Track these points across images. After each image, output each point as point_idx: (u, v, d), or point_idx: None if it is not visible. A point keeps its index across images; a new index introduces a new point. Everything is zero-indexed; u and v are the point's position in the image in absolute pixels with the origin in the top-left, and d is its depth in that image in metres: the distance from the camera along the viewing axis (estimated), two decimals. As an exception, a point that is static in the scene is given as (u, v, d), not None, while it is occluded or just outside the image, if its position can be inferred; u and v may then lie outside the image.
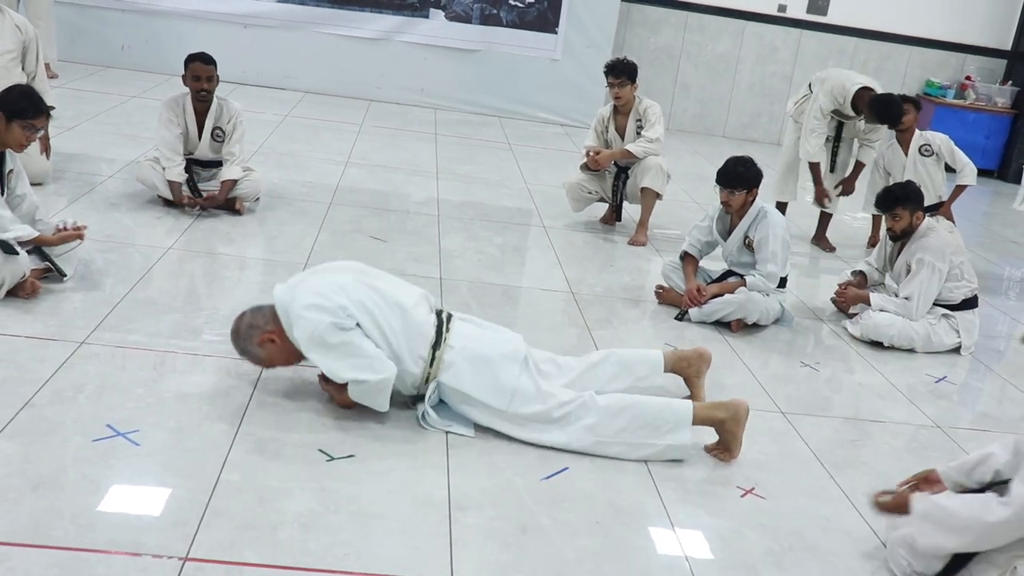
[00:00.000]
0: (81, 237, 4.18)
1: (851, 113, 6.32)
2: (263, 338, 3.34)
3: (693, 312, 4.80)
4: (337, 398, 3.42)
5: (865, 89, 6.19)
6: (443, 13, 9.83)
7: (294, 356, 3.36)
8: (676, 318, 4.84)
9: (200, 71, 5.29)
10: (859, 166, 6.58)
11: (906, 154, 6.27)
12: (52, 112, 5.44)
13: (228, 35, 9.54)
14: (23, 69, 5.55)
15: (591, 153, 6.06)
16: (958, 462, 2.93)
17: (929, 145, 6.27)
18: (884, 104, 6.04)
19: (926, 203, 6.15)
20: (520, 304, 4.83)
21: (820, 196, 6.53)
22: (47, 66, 8.06)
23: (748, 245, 4.84)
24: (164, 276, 4.50)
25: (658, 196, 6.03)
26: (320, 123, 8.52)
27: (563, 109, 10.09)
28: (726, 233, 4.95)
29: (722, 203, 4.86)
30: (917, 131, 6.31)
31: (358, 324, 3.23)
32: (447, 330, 3.40)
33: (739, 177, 4.76)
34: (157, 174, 5.37)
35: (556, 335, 4.44)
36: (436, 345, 3.35)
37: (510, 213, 6.51)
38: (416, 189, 6.68)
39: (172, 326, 3.94)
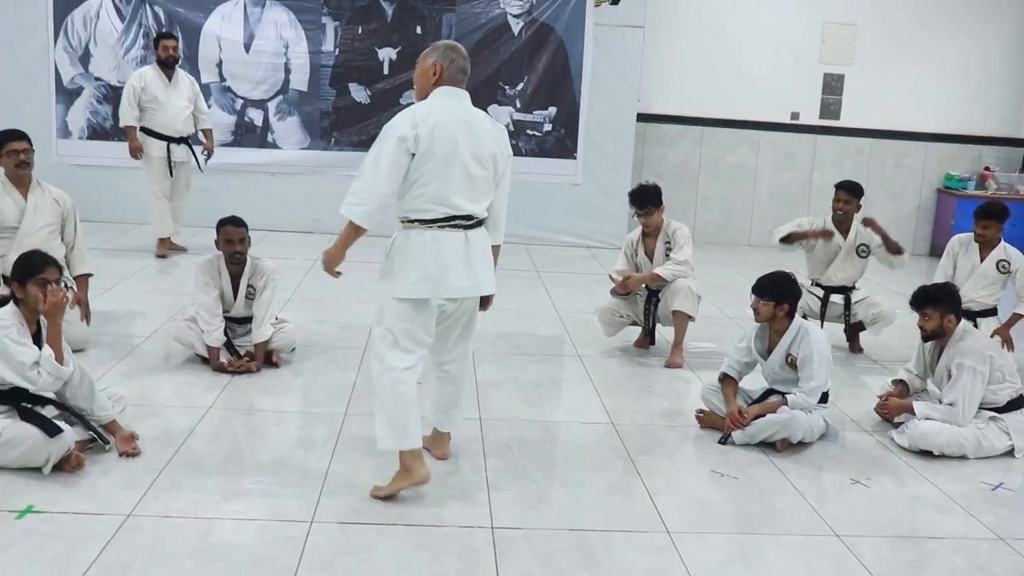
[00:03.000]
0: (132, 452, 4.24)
1: (838, 234, 6.57)
2: None
3: (736, 435, 4.75)
4: None
5: None
6: (463, 147, 10.04)
7: None
8: (720, 442, 4.79)
9: (232, 234, 5.42)
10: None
11: (981, 261, 6.26)
12: (90, 276, 5.79)
13: (255, 185, 9.81)
14: (62, 240, 5.71)
15: (619, 278, 6.09)
16: None
17: (1008, 262, 6.22)
18: (844, 182, 6.61)
19: (980, 309, 6.18)
20: (561, 441, 4.80)
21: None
22: (168, 240, 8.43)
23: (791, 363, 4.82)
24: (206, 437, 4.52)
25: (690, 318, 6.04)
26: (349, 264, 8.55)
27: (587, 231, 10.20)
28: (766, 352, 4.94)
29: (751, 308, 4.90)
30: (1003, 243, 6.29)
31: None
32: None
33: (765, 287, 4.82)
34: (194, 334, 5.45)
35: (599, 471, 4.40)
36: None
37: (543, 343, 6.53)
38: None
39: (216, 490, 3.94)
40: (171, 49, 8.42)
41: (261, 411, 4.97)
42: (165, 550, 3.43)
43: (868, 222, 6.49)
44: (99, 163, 9.71)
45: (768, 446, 4.73)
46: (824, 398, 4.84)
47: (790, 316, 4.86)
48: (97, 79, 9.74)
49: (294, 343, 5.76)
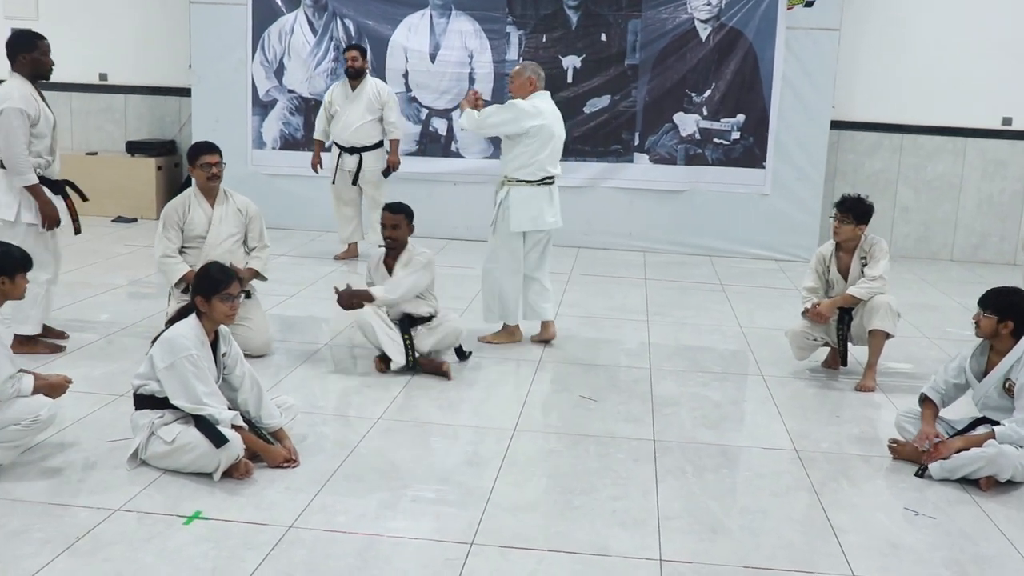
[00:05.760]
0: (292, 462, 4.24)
1: None
2: None
3: (934, 468, 4.33)
4: None
5: None
6: (647, 156, 9.81)
7: None
8: (916, 475, 4.39)
9: (385, 219, 5.64)
10: None
11: None
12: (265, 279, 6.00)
13: (439, 193, 9.85)
14: (246, 244, 5.84)
15: (813, 306, 5.69)
16: None
17: None
18: None
19: None
20: (740, 467, 4.51)
21: None
22: (353, 246, 8.91)
23: (1008, 389, 4.37)
24: (372, 450, 4.47)
25: (888, 336, 5.61)
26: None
27: (776, 244, 9.75)
28: (982, 373, 4.51)
29: (972, 320, 4.55)
30: None
31: None
32: None
33: (990, 299, 4.47)
34: (378, 320, 5.51)
35: (781, 501, 4.09)
36: None
37: (725, 360, 6.22)
38: (627, 338, 6.52)
39: (378, 505, 3.87)
40: (350, 60, 8.61)
41: (429, 424, 4.90)
42: (322, 566, 3.38)
43: None
44: (290, 172, 10.00)
45: (971, 483, 4.29)
46: (1041, 433, 4.36)
47: (1016, 336, 4.42)
48: (290, 91, 10.05)
49: (458, 338, 5.72)
